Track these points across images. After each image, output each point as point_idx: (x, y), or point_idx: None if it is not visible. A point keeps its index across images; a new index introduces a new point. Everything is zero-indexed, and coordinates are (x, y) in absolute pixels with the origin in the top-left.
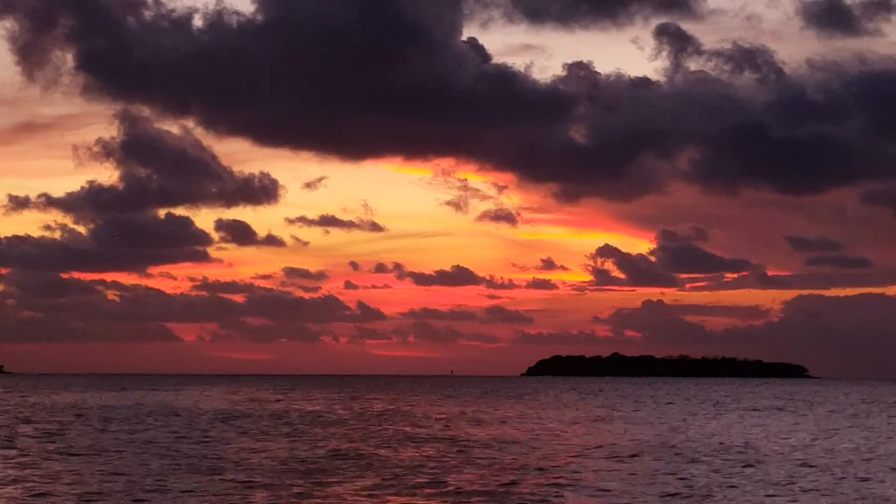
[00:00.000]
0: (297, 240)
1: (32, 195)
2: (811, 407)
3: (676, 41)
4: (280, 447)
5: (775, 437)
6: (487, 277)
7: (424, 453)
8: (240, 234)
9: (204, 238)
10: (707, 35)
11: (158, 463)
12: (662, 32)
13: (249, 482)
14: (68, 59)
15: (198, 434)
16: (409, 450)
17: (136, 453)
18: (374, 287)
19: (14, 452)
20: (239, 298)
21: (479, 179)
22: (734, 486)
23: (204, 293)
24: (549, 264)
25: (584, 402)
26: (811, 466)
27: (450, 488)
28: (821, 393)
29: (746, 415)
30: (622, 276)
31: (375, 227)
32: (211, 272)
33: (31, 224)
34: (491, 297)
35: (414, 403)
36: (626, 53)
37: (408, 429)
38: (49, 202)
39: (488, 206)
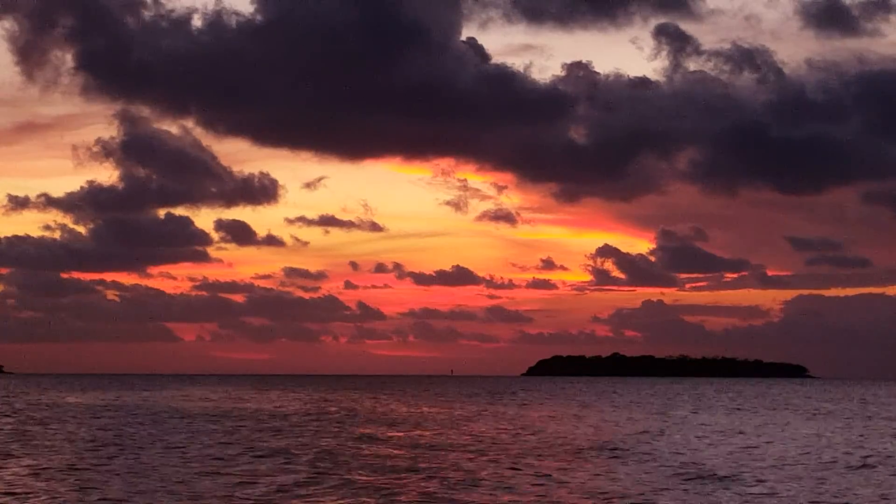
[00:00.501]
0: (297, 240)
1: (32, 195)
2: (781, 407)
3: (675, 41)
4: (210, 447)
5: (720, 439)
6: (487, 277)
7: (340, 452)
8: (239, 234)
9: (204, 238)
10: (706, 35)
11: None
12: (661, 32)
13: (139, 481)
14: (68, 59)
15: (141, 433)
16: (331, 449)
17: (55, 452)
18: (374, 287)
19: None
20: (239, 298)
21: (478, 179)
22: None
23: (204, 293)
24: (548, 264)
25: (559, 402)
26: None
27: (341, 489)
28: (816, 393)
29: (705, 414)
30: (622, 276)
31: (375, 227)
32: (211, 272)
33: (30, 224)
34: (491, 297)
35: (387, 403)
36: (625, 53)
37: (356, 429)
38: (49, 202)
39: (488, 206)
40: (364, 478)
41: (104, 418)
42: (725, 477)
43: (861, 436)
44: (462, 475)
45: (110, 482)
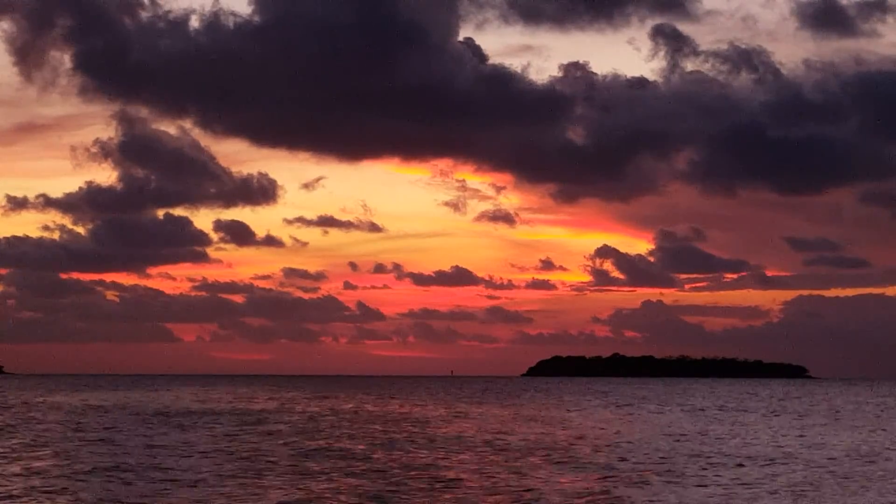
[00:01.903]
0: (296, 240)
1: (31, 196)
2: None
3: (673, 42)
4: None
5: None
6: (487, 278)
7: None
8: (239, 234)
9: (203, 238)
10: (703, 36)
11: None
12: (658, 33)
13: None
14: (66, 59)
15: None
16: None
17: None
18: (374, 287)
19: None
20: (238, 299)
21: (477, 180)
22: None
23: (203, 293)
24: (548, 265)
25: (519, 402)
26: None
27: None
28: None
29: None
30: (621, 276)
31: (374, 227)
32: (210, 272)
33: (29, 225)
34: (490, 297)
35: (358, 403)
36: (622, 54)
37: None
38: (47, 203)
39: (487, 206)
40: None
41: None
42: None
43: None
44: None
45: None
